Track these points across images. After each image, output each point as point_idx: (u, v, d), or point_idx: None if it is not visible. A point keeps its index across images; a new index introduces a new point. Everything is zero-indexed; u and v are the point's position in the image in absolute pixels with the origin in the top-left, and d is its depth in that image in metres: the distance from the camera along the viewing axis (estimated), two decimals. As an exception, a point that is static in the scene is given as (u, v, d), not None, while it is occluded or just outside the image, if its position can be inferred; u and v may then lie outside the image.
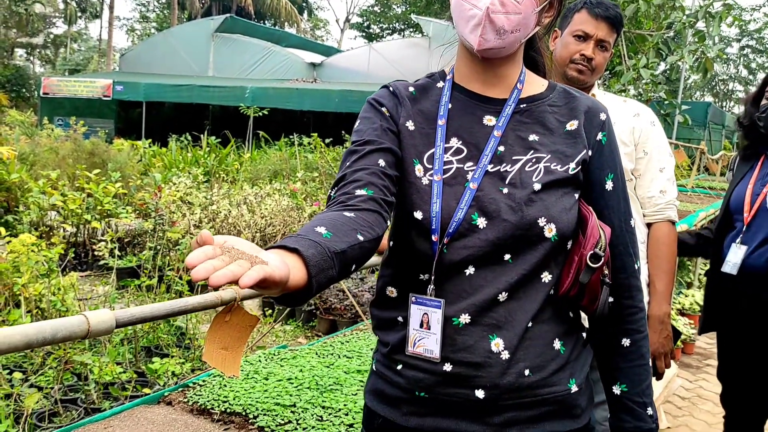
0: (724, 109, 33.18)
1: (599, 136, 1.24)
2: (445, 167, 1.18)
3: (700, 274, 6.68)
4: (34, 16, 29.77)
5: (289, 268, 0.79)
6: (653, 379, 2.12)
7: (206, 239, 0.77)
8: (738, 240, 2.57)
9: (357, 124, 1.25)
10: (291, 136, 11.97)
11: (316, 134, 10.46)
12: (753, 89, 2.75)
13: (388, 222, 1.10)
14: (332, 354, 2.90)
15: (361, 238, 0.98)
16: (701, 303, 4.94)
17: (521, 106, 1.23)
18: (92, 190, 6.72)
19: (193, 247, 0.78)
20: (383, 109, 1.24)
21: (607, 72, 11.29)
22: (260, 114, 12.58)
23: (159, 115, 19.15)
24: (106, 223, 6.77)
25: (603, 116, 1.25)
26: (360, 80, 18.97)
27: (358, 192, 1.08)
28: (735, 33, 34.02)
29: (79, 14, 34.45)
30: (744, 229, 2.54)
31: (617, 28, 2.12)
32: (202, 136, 12.39)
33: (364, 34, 38.54)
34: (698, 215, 5.89)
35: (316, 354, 2.89)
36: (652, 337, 2.12)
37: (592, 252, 1.16)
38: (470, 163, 1.19)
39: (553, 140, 1.21)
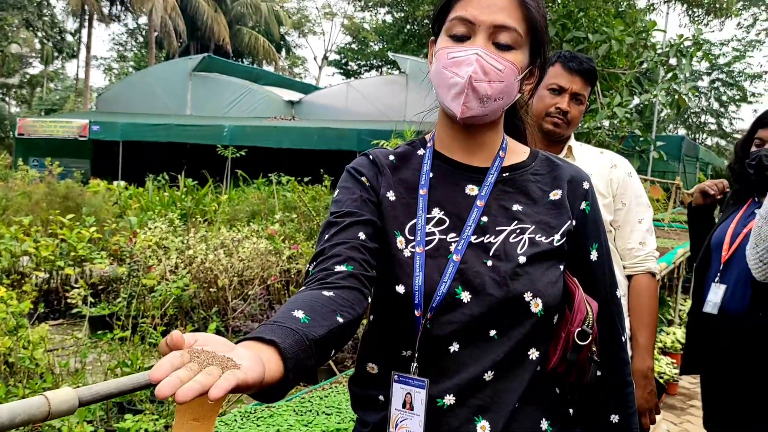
0: (697, 141, 33.82)
1: (583, 205, 1.21)
2: (427, 239, 1.15)
3: (680, 311, 6.69)
4: (9, 57, 29.67)
5: (264, 365, 0.75)
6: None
7: (176, 341, 0.73)
8: (717, 279, 2.57)
9: (336, 193, 1.21)
10: (270, 175, 11.94)
11: (293, 178, 10.43)
12: (728, 123, 2.78)
13: (369, 299, 1.06)
14: (311, 411, 2.81)
15: (341, 320, 0.93)
16: (683, 341, 4.93)
17: (504, 174, 1.21)
18: (66, 235, 6.60)
19: (162, 349, 0.74)
20: (363, 178, 1.21)
21: (582, 108, 11.47)
22: (238, 155, 12.54)
23: (136, 154, 19.02)
24: (80, 270, 6.64)
25: (586, 185, 1.23)
26: (338, 117, 19.06)
27: (338, 268, 1.04)
28: (705, 67, 34.87)
29: (56, 54, 34.40)
30: (721, 268, 2.54)
31: (591, 81, 2.13)
32: (179, 176, 12.30)
33: (342, 71, 38.90)
34: (677, 252, 5.91)
35: (294, 411, 2.80)
36: (636, 393, 2.08)
37: (579, 329, 1.12)
38: (453, 234, 1.15)
39: (537, 210, 1.18)
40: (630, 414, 1.25)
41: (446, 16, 1.16)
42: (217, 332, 5.12)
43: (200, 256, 6.06)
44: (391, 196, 1.19)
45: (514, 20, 1.12)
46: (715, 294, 2.56)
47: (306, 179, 11.60)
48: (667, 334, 5.80)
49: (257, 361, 0.75)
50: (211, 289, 5.87)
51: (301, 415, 2.76)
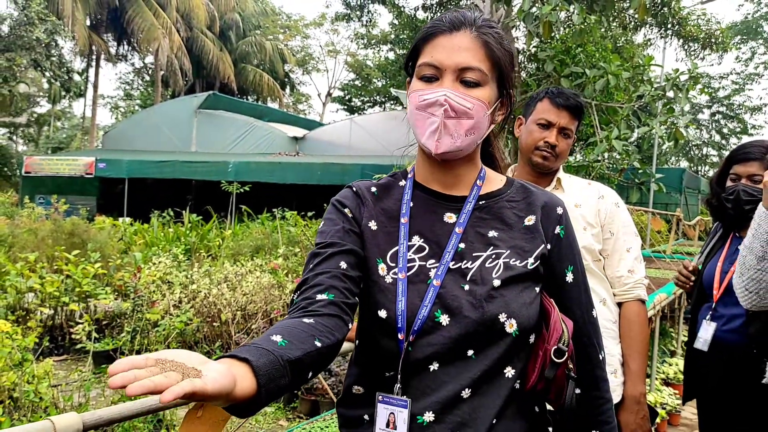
0: (699, 173, 33.94)
1: (557, 229, 1.27)
2: (408, 265, 1.20)
3: (683, 342, 6.68)
4: (18, 96, 30.15)
5: (233, 379, 0.80)
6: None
7: (117, 368, 0.75)
8: (708, 317, 2.61)
9: (321, 225, 1.28)
10: (274, 210, 12.05)
11: (295, 212, 10.52)
12: (716, 169, 2.85)
13: (350, 325, 1.11)
14: (311, 441, 2.84)
15: (318, 344, 0.99)
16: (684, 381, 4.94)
17: (480, 202, 1.26)
18: (71, 271, 6.67)
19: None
20: (346, 210, 1.27)
21: (582, 142, 11.57)
22: (242, 191, 12.67)
23: (142, 191, 19.20)
24: (84, 305, 6.69)
25: (560, 210, 1.29)
26: (342, 153, 19.25)
27: (319, 297, 1.10)
28: (706, 100, 35.17)
29: (63, 93, 34.92)
30: (713, 306, 2.58)
31: (578, 116, 2.21)
32: (184, 211, 12.42)
33: (345, 107, 39.37)
34: (677, 283, 5.92)
35: (295, 441, 2.83)
36: (629, 418, 2.12)
37: (556, 347, 1.17)
38: (432, 261, 1.21)
39: (512, 235, 1.24)
40: (609, 429, 1.30)
41: (416, 59, 1.24)
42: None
43: (204, 290, 6.12)
44: (372, 225, 1.26)
45: (478, 60, 1.19)
46: (706, 331, 2.61)
47: (310, 214, 11.69)
48: (670, 365, 5.80)
49: (226, 374, 0.78)
50: (214, 323, 5.91)
51: (302, 445, 2.79)
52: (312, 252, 1.21)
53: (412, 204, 1.27)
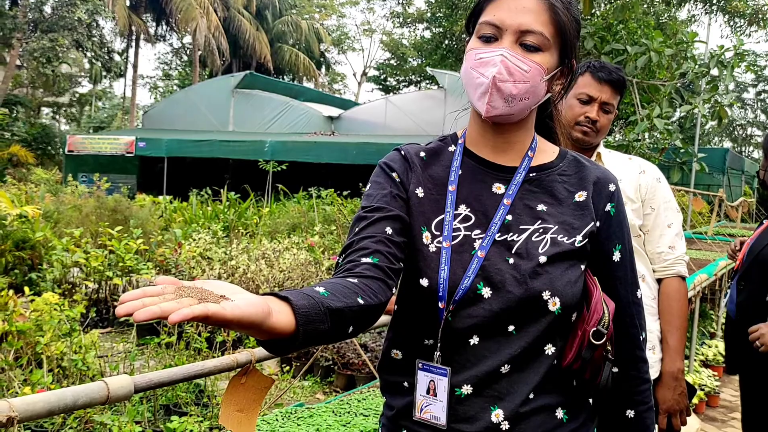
0: (743, 154, 33.05)
1: (608, 207, 1.24)
2: (453, 234, 1.19)
3: (722, 324, 6.58)
4: (60, 77, 30.75)
5: (265, 310, 0.79)
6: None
7: (164, 281, 0.76)
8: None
9: (368, 187, 1.26)
10: (310, 189, 12.14)
11: (332, 189, 10.58)
12: None
13: (394, 290, 1.11)
14: (349, 412, 2.90)
15: (361, 301, 0.99)
16: (724, 353, 4.88)
17: (531, 175, 1.24)
18: (114, 246, 6.85)
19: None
20: (394, 174, 1.25)
21: (623, 120, 11.36)
22: (279, 169, 12.77)
23: (180, 169, 19.50)
24: (128, 279, 6.87)
25: (612, 187, 1.25)
26: (377, 132, 19.22)
27: (364, 260, 1.09)
28: (751, 79, 34.11)
29: (104, 74, 35.50)
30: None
31: (620, 90, 2.18)
32: (222, 190, 12.60)
33: (381, 86, 39.24)
34: (718, 264, 5.83)
35: (333, 412, 2.89)
36: (667, 394, 2.12)
37: (595, 329, 1.16)
38: (478, 231, 1.19)
39: (561, 211, 1.21)
40: (645, 410, 1.28)
41: (478, 18, 1.21)
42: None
43: (242, 266, 6.23)
44: (419, 192, 1.24)
45: (541, 24, 1.15)
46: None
47: (345, 193, 11.76)
48: (709, 347, 5.72)
49: (256, 304, 0.77)
50: (252, 299, 6.01)
51: (340, 416, 2.85)
52: (358, 215, 1.20)
53: (460, 172, 1.25)
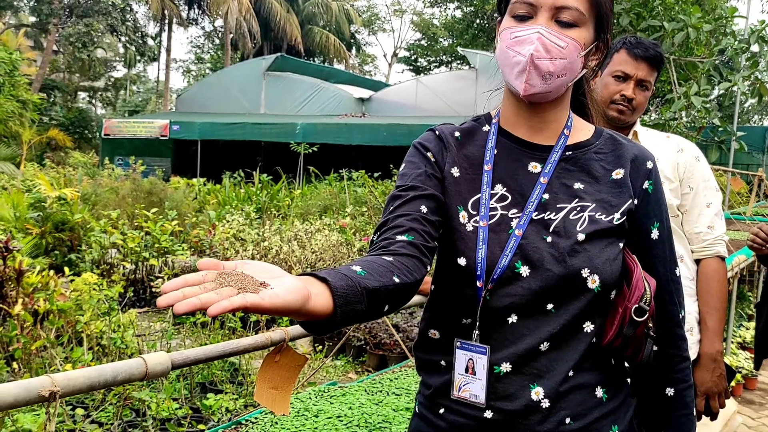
0: (785, 132, 32.09)
1: (645, 184, 1.23)
2: (489, 213, 1.19)
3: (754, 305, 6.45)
4: (96, 61, 31.24)
5: (304, 295, 0.80)
6: (708, 419, 2.09)
7: (206, 265, 0.77)
8: None
9: (402, 167, 1.26)
10: (341, 171, 12.17)
11: (363, 171, 10.59)
12: None
13: (429, 268, 1.11)
14: (381, 391, 2.92)
15: (397, 280, 0.99)
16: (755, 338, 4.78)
17: (567, 153, 1.23)
18: (150, 228, 6.97)
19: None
20: (428, 154, 1.24)
21: (659, 99, 11.12)
22: (310, 151, 12.82)
23: (213, 152, 19.71)
24: (164, 260, 6.99)
25: (650, 164, 1.24)
26: (408, 113, 19.13)
27: (399, 238, 1.09)
28: (793, 54, 33.02)
29: (138, 58, 35.97)
30: None
31: (657, 67, 2.12)
32: (254, 172, 12.69)
33: (411, 67, 39.00)
34: (756, 245, 5.70)
35: (365, 391, 2.91)
36: (705, 376, 2.08)
37: (636, 306, 1.14)
38: (515, 210, 1.18)
39: (599, 189, 1.20)
40: (685, 388, 1.27)
41: None
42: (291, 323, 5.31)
43: (275, 247, 6.29)
44: (455, 172, 1.23)
45: None
46: None
47: (376, 175, 11.76)
48: (747, 329, 5.62)
49: (295, 290, 0.78)
50: (285, 280, 6.07)
51: (372, 394, 2.87)
52: (392, 194, 1.20)
53: (496, 151, 1.24)
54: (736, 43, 7.99)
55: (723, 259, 2.18)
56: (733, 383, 4.61)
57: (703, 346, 2.12)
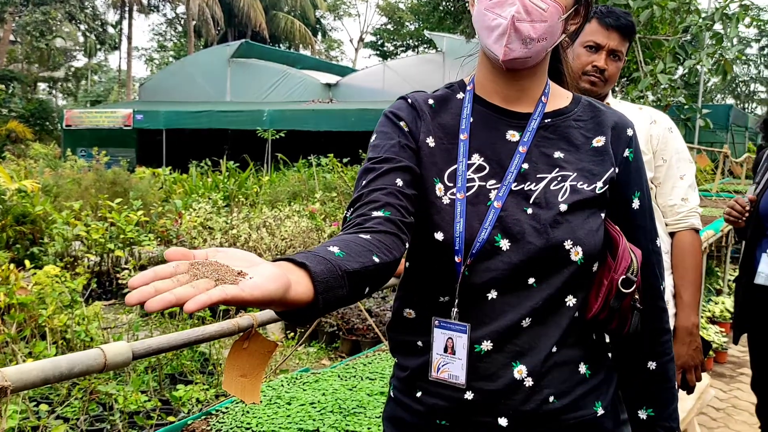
0: (746, 110, 32.76)
1: (626, 153, 1.19)
2: (467, 185, 1.13)
3: (729, 281, 6.55)
4: (55, 51, 30.44)
5: (284, 283, 0.73)
6: (684, 392, 2.07)
7: (174, 255, 0.69)
8: None
9: (373, 138, 1.18)
10: (309, 157, 12.04)
11: (332, 155, 10.49)
12: None
13: (407, 244, 1.05)
14: (355, 376, 2.86)
15: (376, 260, 0.92)
16: (732, 310, 4.84)
17: (546, 121, 1.18)
18: (115, 219, 6.80)
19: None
20: (401, 123, 1.17)
21: (624, 78, 11.19)
22: (278, 137, 12.67)
23: (179, 141, 19.37)
24: (129, 251, 6.83)
25: (630, 132, 1.20)
26: (376, 98, 19.02)
27: (375, 213, 1.03)
28: (754, 34, 33.64)
29: (98, 47, 35.13)
30: None
31: (629, 36, 2.08)
32: (221, 160, 12.50)
33: (378, 52, 38.80)
34: (723, 221, 5.78)
35: (339, 377, 2.85)
36: (681, 350, 2.06)
37: (624, 277, 1.11)
38: (493, 181, 1.13)
39: (579, 157, 1.16)
40: (667, 361, 1.24)
41: None
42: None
43: (244, 235, 6.18)
44: (430, 141, 1.17)
45: None
46: (767, 265, 2.52)
47: (345, 160, 11.66)
48: (716, 303, 5.70)
49: (275, 278, 0.72)
50: (255, 268, 5.99)
51: (346, 380, 2.81)
52: (365, 167, 1.13)
53: (472, 119, 1.18)
54: (701, 20, 8.05)
55: (697, 231, 2.16)
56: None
57: (679, 320, 2.09)
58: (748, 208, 2.66)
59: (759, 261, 2.55)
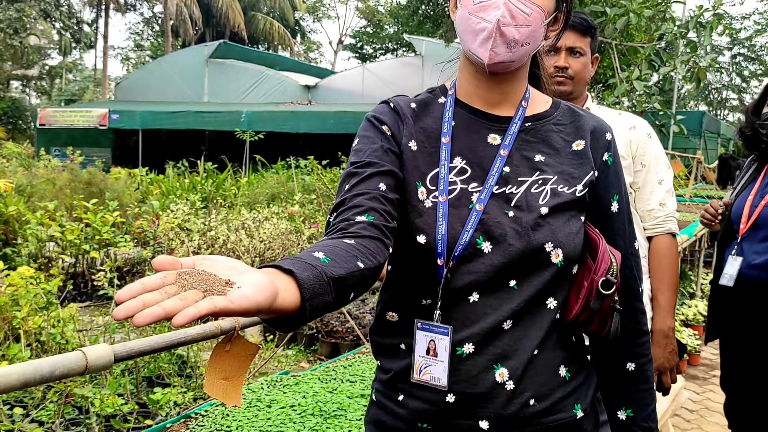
0: (719, 117, 33.31)
1: (605, 156, 1.21)
2: (449, 188, 1.14)
3: (702, 284, 6.65)
4: (29, 49, 29.95)
5: (273, 291, 0.73)
6: (659, 394, 2.11)
7: (162, 264, 0.69)
8: (734, 252, 2.56)
9: (356, 142, 1.19)
10: (288, 159, 12.00)
11: (312, 157, 10.48)
12: (750, 99, 2.78)
13: (390, 249, 1.06)
14: (335, 379, 2.87)
15: (361, 265, 0.93)
16: (705, 314, 4.93)
17: (526, 124, 1.20)
18: (90, 219, 6.71)
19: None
20: (384, 127, 1.19)
21: (600, 85, 11.32)
22: (256, 138, 12.61)
23: (155, 142, 19.19)
24: (105, 252, 6.75)
25: (609, 136, 1.23)
26: (355, 101, 19.05)
27: (359, 218, 1.03)
28: (726, 42, 34.25)
29: (73, 45, 34.65)
30: (740, 240, 2.53)
31: (587, 32, 2.09)
32: (198, 161, 12.41)
33: (357, 55, 38.83)
34: (697, 225, 5.87)
35: (319, 379, 2.86)
36: (657, 352, 2.10)
37: (604, 278, 1.13)
38: (474, 184, 1.15)
39: (560, 161, 1.18)
40: (645, 362, 1.26)
41: None
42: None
43: (222, 237, 6.14)
44: (413, 145, 1.18)
45: None
46: (732, 267, 2.56)
47: (324, 162, 11.64)
48: (689, 306, 5.78)
49: (263, 287, 0.71)
50: (233, 270, 5.94)
51: (326, 382, 2.81)
52: (347, 171, 1.14)
53: (453, 123, 1.20)
54: (675, 28, 8.18)
55: (674, 236, 2.19)
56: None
57: (655, 323, 2.13)
58: (720, 211, 2.72)
59: (725, 262, 2.61)
